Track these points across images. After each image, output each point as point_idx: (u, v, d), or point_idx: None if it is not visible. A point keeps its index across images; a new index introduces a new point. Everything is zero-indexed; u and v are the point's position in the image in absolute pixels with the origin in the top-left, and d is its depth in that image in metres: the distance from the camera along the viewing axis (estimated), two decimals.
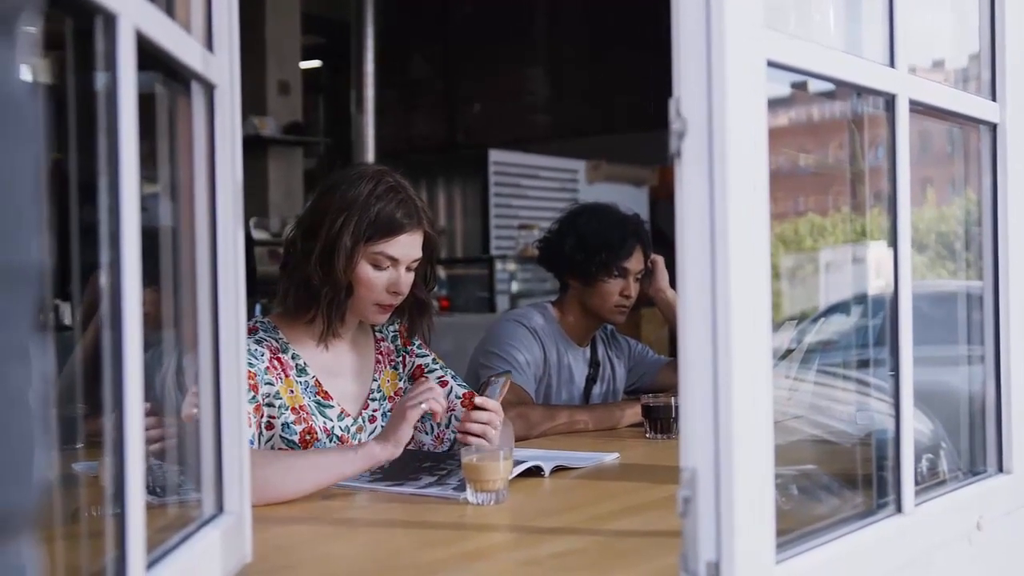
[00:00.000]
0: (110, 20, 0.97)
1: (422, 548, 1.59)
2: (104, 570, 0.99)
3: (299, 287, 2.14)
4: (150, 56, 1.09)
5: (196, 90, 1.31)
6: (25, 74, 0.54)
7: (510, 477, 1.87)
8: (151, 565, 1.06)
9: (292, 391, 2.13)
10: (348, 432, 2.19)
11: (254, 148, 6.99)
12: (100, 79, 0.99)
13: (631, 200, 5.43)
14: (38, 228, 0.54)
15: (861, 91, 1.52)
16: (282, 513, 1.80)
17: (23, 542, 0.54)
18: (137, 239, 1.00)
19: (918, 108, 1.54)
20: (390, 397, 2.30)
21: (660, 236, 4.48)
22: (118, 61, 0.98)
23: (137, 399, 0.99)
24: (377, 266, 2.14)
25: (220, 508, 1.34)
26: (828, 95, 1.68)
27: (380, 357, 2.32)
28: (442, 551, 1.56)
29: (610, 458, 2.29)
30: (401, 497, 1.91)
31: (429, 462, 2.09)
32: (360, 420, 2.23)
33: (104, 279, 0.99)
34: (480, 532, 1.69)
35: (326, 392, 2.18)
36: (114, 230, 0.98)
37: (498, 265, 7.05)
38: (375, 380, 2.29)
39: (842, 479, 1.68)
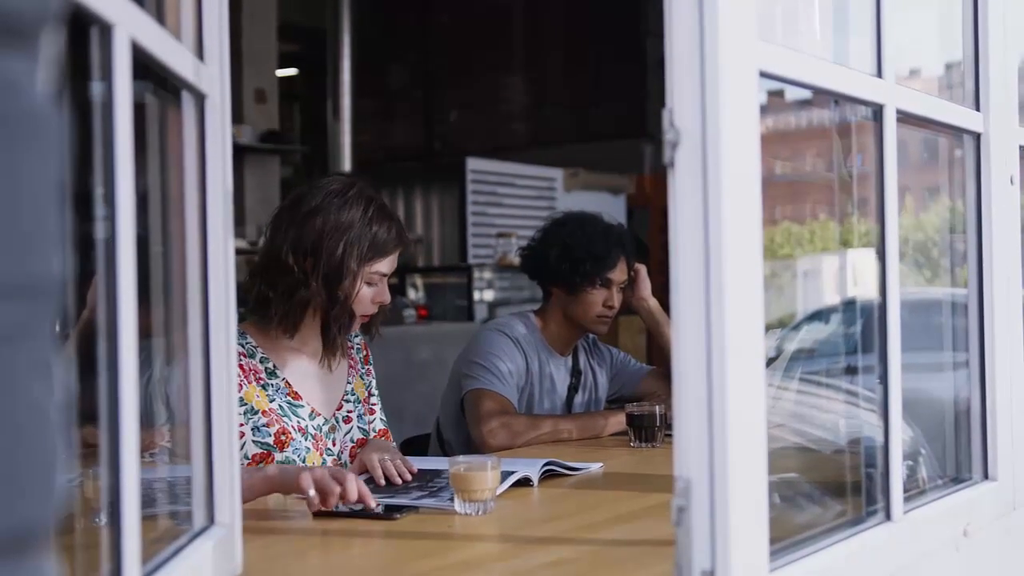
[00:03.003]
0: (106, 30, 0.97)
1: (413, 559, 1.58)
2: None
3: (298, 307, 2.20)
4: (141, 65, 1.08)
5: (187, 99, 1.30)
6: (46, 87, 0.54)
7: (500, 490, 1.86)
8: None
9: (258, 396, 2.18)
10: (321, 431, 2.26)
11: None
12: (95, 88, 0.99)
13: (608, 208, 5.43)
14: (59, 241, 0.54)
15: (850, 101, 1.53)
16: (271, 525, 1.79)
17: (45, 556, 0.53)
18: (132, 248, 0.99)
19: (904, 118, 1.55)
20: (363, 400, 2.39)
21: (637, 244, 4.49)
22: (114, 71, 0.98)
23: (132, 411, 0.99)
24: (371, 283, 2.24)
25: (211, 520, 1.33)
26: (805, 103, 1.69)
27: (352, 362, 2.40)
28: (433, 562, 1.56)
29: (595, 467, 2.29)
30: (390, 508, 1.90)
31: (417, 481, 2.08)
32: (334, 420, 2.30)
33: (100, 288, 0.98)
34: (470, 542, 1.69)
35: (296, 392, 2.24)
36: (110, 239, 0.97)
37: (476, 273, 7.02)
38: (349, 383, 2.37)
39: (830, 487, 1.69)
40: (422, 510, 1.85)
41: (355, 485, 1.79)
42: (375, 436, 2.39)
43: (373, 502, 1.81)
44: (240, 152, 7.23)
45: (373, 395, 2.45)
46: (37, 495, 0.53)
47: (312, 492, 1.77)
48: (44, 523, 0.54)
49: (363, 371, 2.43)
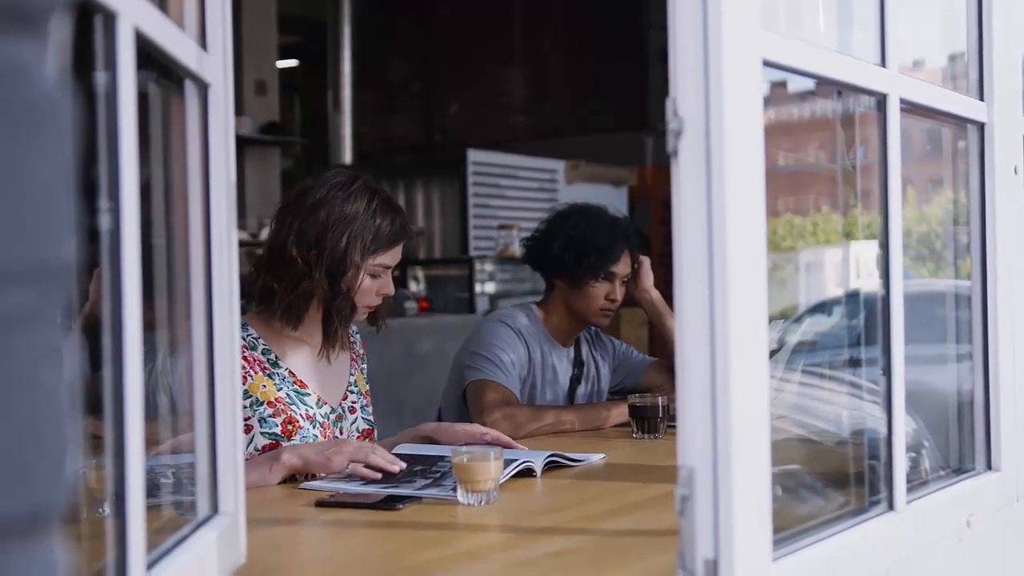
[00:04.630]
0: (110, 18, 0.96)
1: (415, 549, 1.58)
2: (104, 571, 0.98)
3: (301, 299, 2.22)
4: (144, 54, 1.08)
5: (190, 89, 1.30)
6: (55, 72, 0.53)
7: (503, 479, 1.86)
8: (150, 566, 1.05)
9: (265, 386, 2.19)
10: (328, 419, 2.28)
11: None
12: (99, 77, 0.98)
13: (610, 200, 5.42)
14: (71, 226, 0.54)
15: (853, 90, 1.53)
16: (275, 515, 1.79)
17: (55, 540, 0.53)
18: (137, 239, 0.99)
19: (908, 107, 1.54)
20: (365, 393, 2.42)
21: (640, 237, 4.49)
22: (118, 60, 0.97)
23: (137, 402, 0.98)
24: (375, 275, 2.25)
25: (215, 509, 1.33)
26: (807, 95, 1.68)
27: (353, 356, 2.43)
28: (436, 552, 1.56)
29: (597, 458, 2.29)
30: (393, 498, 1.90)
31: (420, 465, 2.08)
32: (340, 410, 2.32)
33: (104, 280, 0.98)
34: (473, 533, 1.69)
35: (302, 381, 2.26)
36: (114, 229, 0.97)
37: (477, 266, 7.02)
38: (351, 375, 2.39)
39: (832, 478, 1.69)
40: (425, 500, 1.85)
41: (385, 453, 2.00)
42: (359, 436, 2.39)
43: (397, 468, 1.99)
44: (240, 144, 7.22)
45: (367, 391, 2.47)
46: (48, 479, 0.53)
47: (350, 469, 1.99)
48: (55, 507, 0.54)
49: (362, 367, 2.46)
